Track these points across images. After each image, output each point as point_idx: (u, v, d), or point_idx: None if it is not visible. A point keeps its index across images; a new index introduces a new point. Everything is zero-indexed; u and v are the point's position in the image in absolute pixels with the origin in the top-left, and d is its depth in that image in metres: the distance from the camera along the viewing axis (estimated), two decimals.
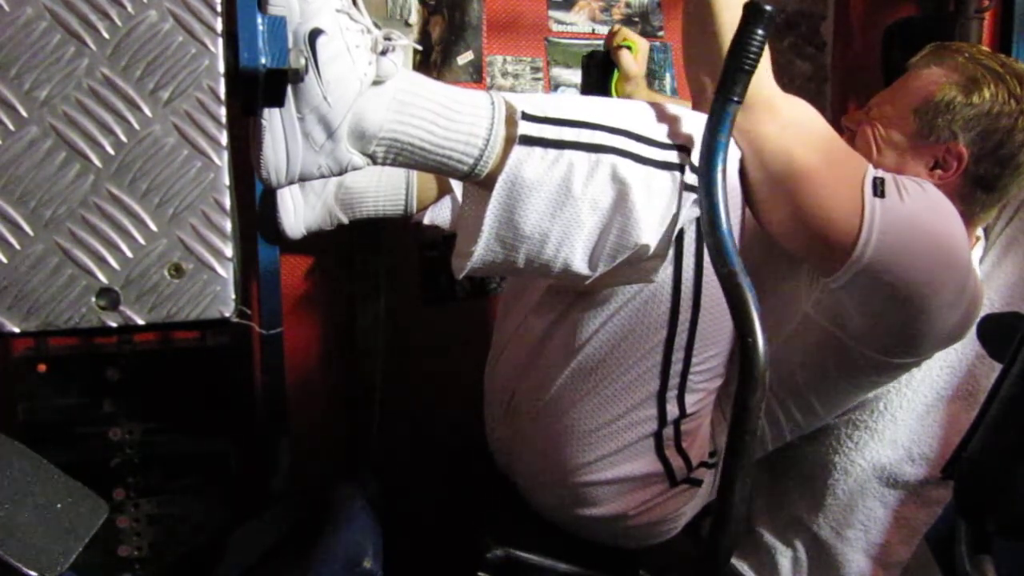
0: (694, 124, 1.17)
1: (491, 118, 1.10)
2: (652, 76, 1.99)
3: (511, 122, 1.10)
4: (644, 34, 1.98)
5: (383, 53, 1.09)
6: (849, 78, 2.09)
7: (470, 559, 1.36)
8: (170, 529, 1.59)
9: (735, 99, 1.07)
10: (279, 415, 1.74)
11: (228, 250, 0.63)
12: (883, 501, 1.45)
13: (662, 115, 1.18)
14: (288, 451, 1.75)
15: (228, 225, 0.63)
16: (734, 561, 1.57)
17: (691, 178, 1.14)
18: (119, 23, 0.62)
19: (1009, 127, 1.31)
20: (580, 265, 1.15)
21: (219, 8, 0.64)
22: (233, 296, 0.63)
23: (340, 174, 1.10)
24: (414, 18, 1.84)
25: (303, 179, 1.07)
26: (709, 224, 1.07)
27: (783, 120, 1.19)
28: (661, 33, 2.00)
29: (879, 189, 1.18)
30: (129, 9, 0.62)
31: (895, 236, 1.17)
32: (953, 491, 1.09)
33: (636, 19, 1.98)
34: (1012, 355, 1.01)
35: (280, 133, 1.00)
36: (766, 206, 1.22)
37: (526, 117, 1.10)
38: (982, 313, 1.35)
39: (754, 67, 1.06)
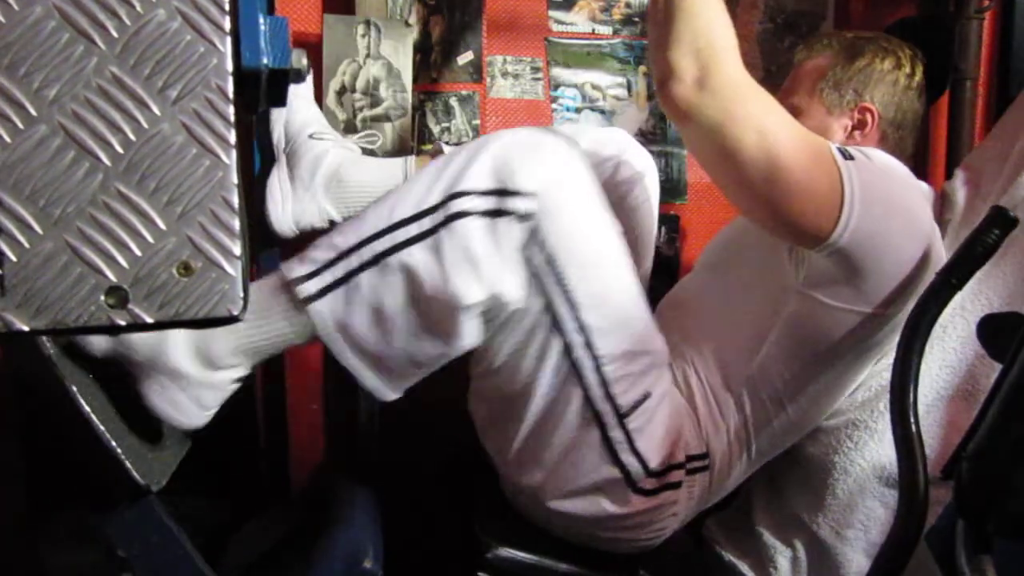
0: (446, 167, 1.22)
1: (278, 309, 1.19)
2: (652, 76, 2.00)
3: (289, 290, 1.18)
4: (644, 34, 1.98)
5: None
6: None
7: (470, 559, 1.36)
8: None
9: (953, 281, 1.14)
10: (279, 415, 1.74)
11: (237, 248, 0.63)
12: (883, 501, 1.45)
13: (417, 181, 1.23)
14: (288, 451, 1.75)
15: (237, 223, 0.63)
16: (733, 560, 1.57)
17: (476, 203, 1.18)
18: (128, 22, 0.62)
19: (895, 76, 1.54)
20: (441, 349, 1.23)
21: (227, 7, 0.64)
22: (242, 295, 0.63)
23: (228, 394, 1.22)
24: (414, 18, 1.84)
25: (207, 409, 1.21)
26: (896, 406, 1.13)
27: (759, 106, 1.23)
28: None
29: (846, 154, 1.27)
30: (138, 8, 0.62)
31: (873, 189, 1.26)
32: (953, 491, 1.09)
33: (636, 19, 1.99)
34: (1012, 355, 1.01)
35: (156, 397, 1.16)
36: (745, 189, 1.26)
37: (300, 280, 1.17)
38: (982, 313, 1.36)
39: (982, 262, 1.13)
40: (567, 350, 1.26)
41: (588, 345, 1.26)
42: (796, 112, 1.52)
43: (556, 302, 1.25)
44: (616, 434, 1.29)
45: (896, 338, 1.39)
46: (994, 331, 1.08)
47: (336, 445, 1.86)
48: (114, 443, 1.14)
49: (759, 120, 1.21)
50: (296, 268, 1.19)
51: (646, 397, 1.31)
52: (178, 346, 1.16)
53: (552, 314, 1.25)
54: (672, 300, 1.63)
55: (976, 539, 1.04)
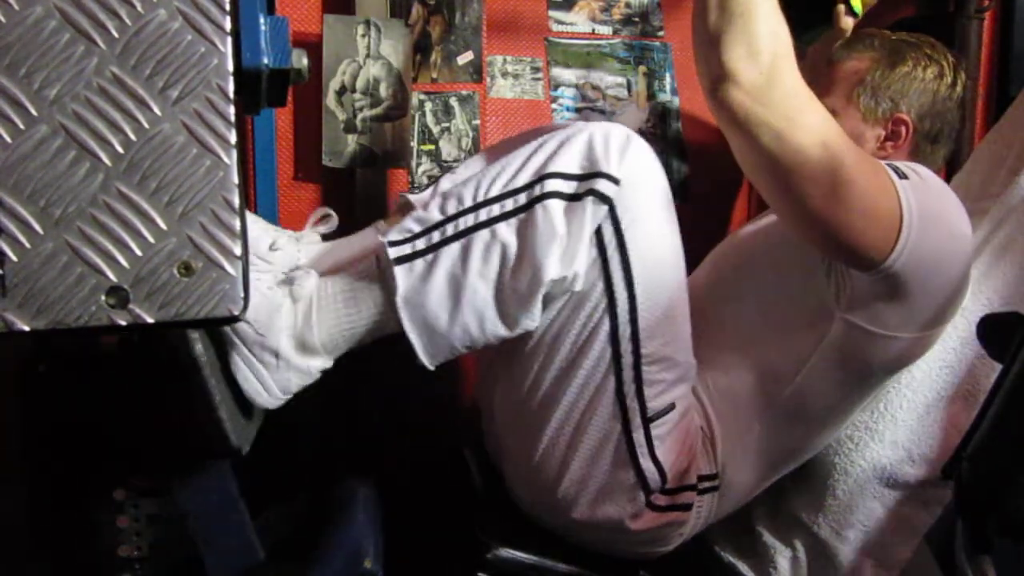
0: (538, 150, 1.23)
1: (378, 273, 1.23)
2: (652, 76, 2.00)
3: (379, 256, 1.22)
4: (644, 34, 1.98)
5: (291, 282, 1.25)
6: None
7: (470, 559, 1.36)
8: (170, 529, 1.59)
9: None
10: (278, 414, 1.73)
11: (237, 248, 0.63)
12: (883, 501, 1.45)
13: (509, 162, 1.25)
14: (288, 450, 1.74)
15: (237, 223, 0.63)
16: (734, 560, 1.57)
17: (565, 185, 1.20)
18: (128, 22, 0.62)
19: (936, 85, 1.48)
20: (503, 331, 1.23)
21: (228, 7, 0.64)
22: (242, 294, 0.63)
23: (312, 381, 1.27)
24: (414, 18, 1.84)
25: (287, 394, 1.25)
26: None
27: (819, 117, 1.19)
28: (661, 33, 2.01)
29: (900, 172, 1.23)
30: (138, 8, 0.62)
31: (929, 211, 1.23)
32: (953, 491, 1.09)
33: (636, 19, 1.99)
34: (1012, 355, 1.01)
35: (246, 371, 1.20)
36: (801, 204, 1.22)
37: (392, 244, 1.21)
38: (982, 313, 1.36)
39: None
40: (614, 336, 1.25)
41: (634, 338, 1.26)
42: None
43: (617, 288, 1.24)
44: (638, 436, 1.28)
45: (927, 353, 1.39)
46: (994, 331, 1.08)
47: (336, 444, 1.86)
48: (219, 397, 1.15)
49: (822, 133, 1.17)
50: (389, 234, 1.22)
51: (671, 408, 1.30)
52: (283, 328, 1.20)
53: (610, 297, 1.24)
54: None
55: (976, 539, 1.04)
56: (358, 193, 1.82)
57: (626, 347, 1.26)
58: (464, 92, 1.89)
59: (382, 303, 1.22)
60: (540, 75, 1.94)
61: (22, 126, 0.60)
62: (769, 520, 1.56)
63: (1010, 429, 1.01)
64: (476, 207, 1.21)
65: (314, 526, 1.43)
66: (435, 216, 1.21)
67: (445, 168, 1.88)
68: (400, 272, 1.19)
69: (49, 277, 0.60)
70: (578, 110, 1.97)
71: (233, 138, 0.63)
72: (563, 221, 1.19)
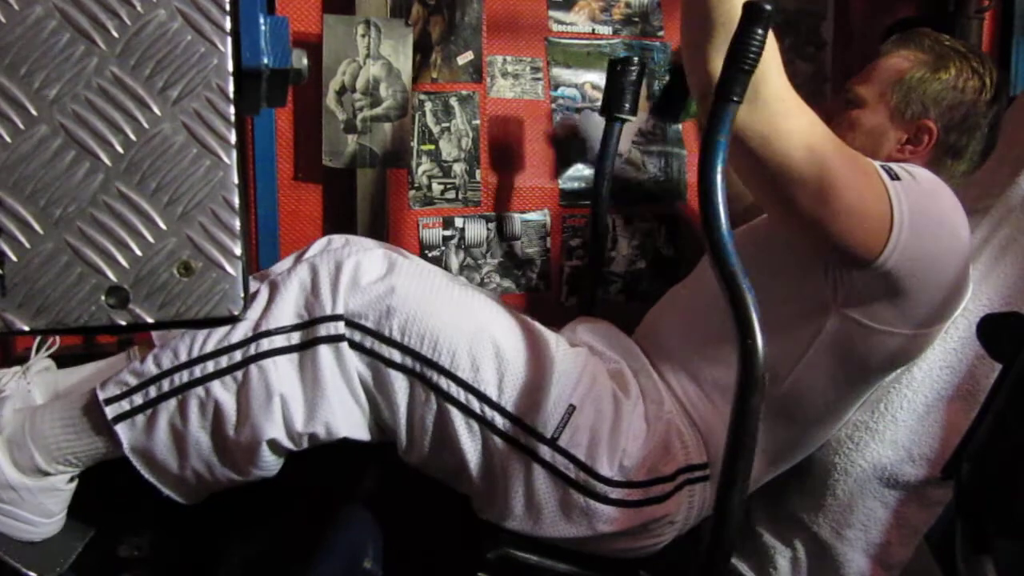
0: (251, 302, 1.23)
1: (103, 421, 1.22)
2: (652, 77, 2.00)
3: (99, 409, 1.21)
4: (644, 34, 1.99)
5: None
6: (849, 78, 2.09)
7: (470, 559, 1.36)
8: (170, 529, 1.59)
9: (735, 99, 1.07)
10: None
11: (237, 248, 0.63)
12: (883, 501, 1.45)
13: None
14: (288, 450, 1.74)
15: (237, 223, 0.63)
16: (734, 561, 1.57)
17: (282, 341, 1.21)
18: (128, 22, 0.62)
19: (974, 99, 1.42)
20: (237, 476, 1.26)
21: (228, 7, 0.64)
22: (242, 294, 0.63)
23: (70, 493, 1.27)
24: (414, 18, 1.84)
25: (52, 516, 1.25)
26: (708, 225, 1.07)
27: (806, 121, 1.19)
28: (661, 33, 2.01)
29: (893, 174, 1.23)
30: (138, 8, 0.62)
31: (921, 211, 1.22)
32: (953, 491, 1.09)
33: (636, 19, 1.99)
34: (1012, 355, 1.01)
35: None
36: (791, 206, 1.22)
37: (109, 402, 1.21)
38: (982, 313, 1.36)
39: (754, 67, 1.07)
40: (469, 414, 1.26)
41: (484, 399, 1.26)
42: (859, 101, 1.47)
43: (435, 379, 1.25)
44: (555, 457, 1.28)
45: (926, 352, 1.39)
46: (994, 331, 1.08)
47: (335, 444, 1.85)
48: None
49: (807, 136, 1.17)
50: (107, 388, 1.22)
51: (571, 411, 1.30)
52: (2, 461, 1.19)
53: (437, 391, 1.25)
54: (674, 303, 1.60)
55: (976, 539, 1.04)
56: (358, 193, 1.82)
57: (482, 410, 1.27)
58: (464, 92, 1.89)
59: (110, 445, 1.23)
60: (540, 75, 1.94)
61: (22, 126, 0.60)
62: (769, 520, 1.56)
63: (1010, 429, 1.01)
64: (190, 363, 1.21)
65: (314, 526, 1.43)
66: (151, 370, 1.22)
67: (445, 168, 1.88)
68: (121, 428, 1.21)
69: (49, 277, 0.60)
70: (578, 110, 1.97)
71: (233, 138, 0.63)
72: (289, 377, 1.21)
